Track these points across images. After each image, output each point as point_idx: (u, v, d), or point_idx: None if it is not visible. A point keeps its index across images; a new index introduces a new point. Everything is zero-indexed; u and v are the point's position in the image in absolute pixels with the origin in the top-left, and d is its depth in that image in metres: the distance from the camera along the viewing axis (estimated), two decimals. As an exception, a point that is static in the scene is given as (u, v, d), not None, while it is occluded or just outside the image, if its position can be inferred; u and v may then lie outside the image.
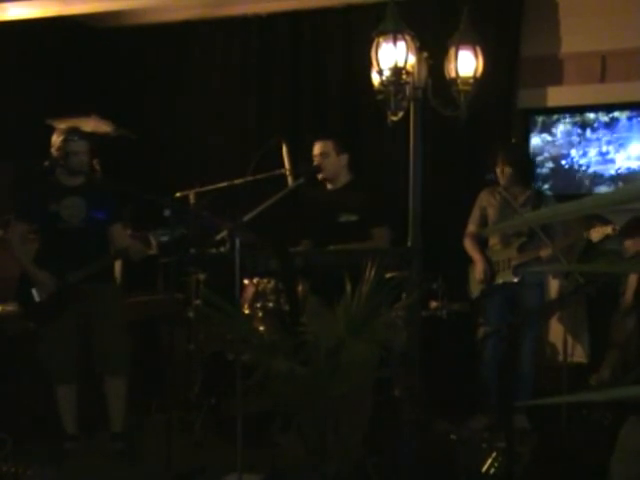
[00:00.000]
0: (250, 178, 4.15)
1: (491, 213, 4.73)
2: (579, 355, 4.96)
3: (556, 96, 5.38)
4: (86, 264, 4.11)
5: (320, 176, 4.39)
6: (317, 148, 4.42)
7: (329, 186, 4.46)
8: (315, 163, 4.39)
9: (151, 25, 6.09)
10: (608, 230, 4.09)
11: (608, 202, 1.08)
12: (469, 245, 4.77)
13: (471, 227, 4.79)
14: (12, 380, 4.51)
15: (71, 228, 4.17)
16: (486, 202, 4.75)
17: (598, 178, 5.27)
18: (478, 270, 4.66)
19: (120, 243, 4.24)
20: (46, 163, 4.16)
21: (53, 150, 4.16)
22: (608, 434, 2.96)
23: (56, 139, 4.16)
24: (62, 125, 4.39)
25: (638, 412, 2.84)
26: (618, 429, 2.90)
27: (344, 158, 4.43)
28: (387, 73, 3.27)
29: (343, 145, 4.44)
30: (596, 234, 4.16)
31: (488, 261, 4.68)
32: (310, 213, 4.48)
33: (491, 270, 4.65)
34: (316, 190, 4.49)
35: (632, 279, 3.61)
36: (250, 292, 4.58)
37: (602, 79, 5.28)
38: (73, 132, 4.19)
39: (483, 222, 4.76)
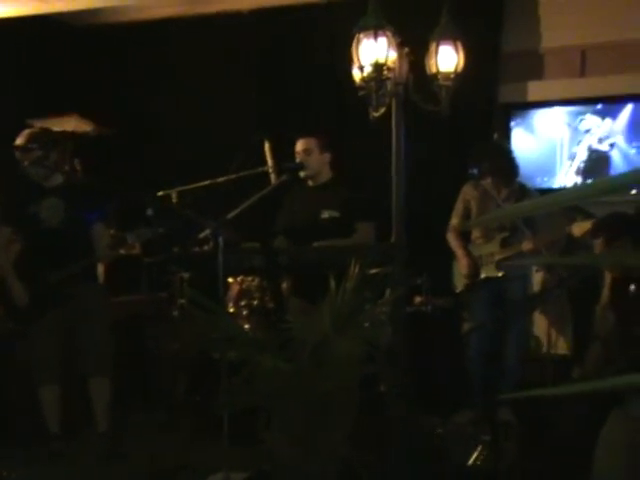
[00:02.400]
0: (233, 176, 4.13)
1: (474, 207, 4.73)
2: (562, 347, 4.99)
3: (537, 90, 5.39)
4: (67, 264, 4.08)
5: (302, 173, 4.36)
6: (300, 145, 4.39)
7: (310, 183, 4.43)
8: (298, 160, 4.36)
9: (132, 23, 6.05)
10: (589, 226, 4.11)
11: (588, 194, 1.08)
12: (452, 239, 4.78)
13: (454, 221, 4.80)
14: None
15: (50, 229, 4.14)
16: (469, 196, 4.76)
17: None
18: (462, 265, 4.67)
19: (101, 243, 4.21)
20: (25, 163, 4.12)
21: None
22: (592, 427, 2.98)
23: (18, 146, 4.10)
24: (38, 124, 4.35)
25: (620, 405, 2.85)
26: (601, 422, 2.91)
27: (327, 156, 4.40)
28: (368, 69, 3.26)
29: (327, 143, 4.42)
30: (578, 230, 4.18)
31: (470, 255, 4.69)
32: (292, 210, 4.46)
33: (475, 264, 4.67)
34: (298, 187, 4.47)
35: (608, 275, 3.63)
36: (235, 290, 4.56)
37: (582, 73, 5.31)
38: (34, 139, 4.12)
39: (466, 216, 4.76)
